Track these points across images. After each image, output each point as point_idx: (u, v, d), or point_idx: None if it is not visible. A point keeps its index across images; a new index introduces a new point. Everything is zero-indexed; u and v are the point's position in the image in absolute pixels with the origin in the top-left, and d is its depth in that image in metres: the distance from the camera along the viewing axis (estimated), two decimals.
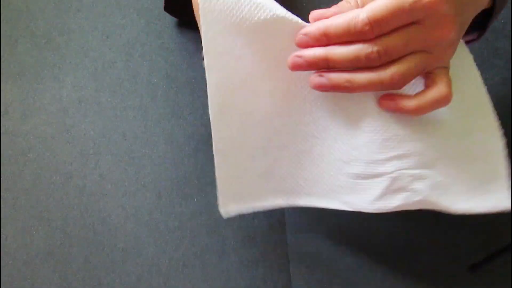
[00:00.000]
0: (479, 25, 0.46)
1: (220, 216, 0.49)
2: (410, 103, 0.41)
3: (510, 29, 0.56)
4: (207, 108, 0.53)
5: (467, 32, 0.44)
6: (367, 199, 0.40)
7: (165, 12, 0.57)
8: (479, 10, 0.43)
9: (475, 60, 0.48)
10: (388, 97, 0.42)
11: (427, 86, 0.42)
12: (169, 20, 0.57)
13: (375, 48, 0.39)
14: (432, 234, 0.48)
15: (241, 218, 0.49)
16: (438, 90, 0.41)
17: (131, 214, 0.49)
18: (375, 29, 0.39)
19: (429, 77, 0.42)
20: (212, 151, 0.51)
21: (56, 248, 0.47)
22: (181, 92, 0.54)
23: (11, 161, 0.51)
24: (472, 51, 0.48)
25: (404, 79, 0.40)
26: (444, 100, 0.42)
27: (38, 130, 0.52)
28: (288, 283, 0.46)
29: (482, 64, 0.54)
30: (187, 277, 0.46)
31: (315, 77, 0.41)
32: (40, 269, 0.46)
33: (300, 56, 0.41)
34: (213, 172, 0.50)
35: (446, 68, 0.43)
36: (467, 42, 0.46)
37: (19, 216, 0.48)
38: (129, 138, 0.52)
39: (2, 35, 0.57)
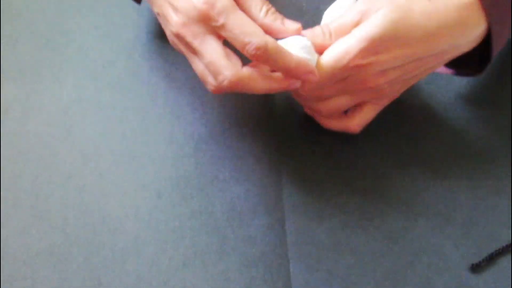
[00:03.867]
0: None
1: (220, 216, 0.49)
2: (323, 120, 0.50)
3: None
4: (207, 108, 0.53)
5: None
6: None
7: None
8: (451, 56, 0.45)
9: None
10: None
11: (347, 112, 0.49)
12: None
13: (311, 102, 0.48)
14: (432, 234, 0.48)
15: (241, 218, 0.49)
16: (350, 123, 0.48)
17: (131, 214, 0.49)
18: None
19: (356, 105, 0.48)
20: (212, 151, 0.51)
21: (56, 248, 0.47)
22: (181, 92, 0.54)
23: (11, 161, 0.51)
24: None
25: (328, 112, 0.48)
26: (347, 130, 0.49)
27: (38, 130, 0.52)
28: (288, 283, 0.46)
29: None
30: (187, 277, 0.46)
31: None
32: (40, 269, 0.46)
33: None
34: (213, 172, 0.50)
35: (378, 105, 0.48)
36: (465, 74, 0.48)
37: (19, 216, 0.48)
38: (129, 138, 0.52)
39: (2, 35, 0.57)
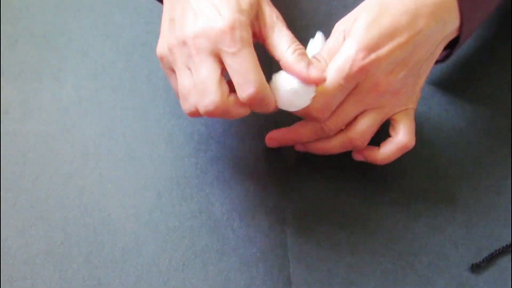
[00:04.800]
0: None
1: (220, 216, 0.49)
2: (376, 157, 0.47)
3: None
4: None
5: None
6: None
7: None
8: (444, 43, 0.46)
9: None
10: (358, 152, 0.49)
11: (391, 135, 0.47)
12: None
13: (327, 125, 0.46)
14: (432, 234, 0.48)
15: (241, 218, 0.49)
16: (398, 140, 0.46)
17: (131, 214, 0.49)
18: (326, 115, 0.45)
19: (392, 125, 0.47)
20: (212, 151, 0.51)
21: (56, 248, 0.47)
22: None
23: (11, 161, 0.51)
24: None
25: (364, 138, 0.46)
26: (404, 149, 0.46)
27: (38, 130, 0.52)
28: (288, 283, 0.46)
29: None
30: (187, 277, 0.46)
31: (298, 146, 0.50)
32: (40, 269, 0.46)
33: (272, 138, 0.50)
34: (213, 172, 0.50)
35: (408, 109, 0.47)
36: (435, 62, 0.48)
37: (19, 216, 0.48)
38: (129, 138, 0.52)
39: (2, 35, 0.57)
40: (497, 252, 0.47)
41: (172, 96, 0.53)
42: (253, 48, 0.42)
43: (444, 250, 0.47)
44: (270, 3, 0.46)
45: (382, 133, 0.47)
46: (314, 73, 0.43)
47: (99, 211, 0.49)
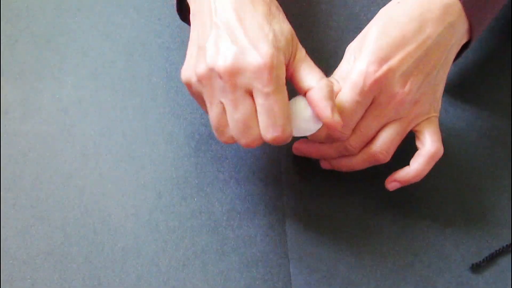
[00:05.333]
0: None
1: (220, 216, 0.49)
2: (409, 175, 0.45)
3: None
4: None
5: None
6: None
7: (165, 12, 0.57)
8: (457, 47, 0.46)
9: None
10: (389, 179, 0.47)
11: (418, 148, 0.46)
12: (169, 20, 0.57)
13: (350, 144, 0.45)
14: (432, 234, 0.48)
15: (241, 218, 0.49)
16: (426, 151, 0.45)
17: (131, 214, 0.49)
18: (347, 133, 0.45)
19: (417, 137, 0.46)
20: (212, 151, 0.51)
21: (56, 248, 0.47)
22: (181, 92, 0.54)
23: (11, 161, 0.51)
24: None
25: (387, 152, 0.45)
26: (434, 159, 0.45)
27: (38, 130, 0.52)
28: (288, 283, 0.46)
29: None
30: (187, 277, 0.46)
31: (324, 163, 0.49)
32: (40, 269, 0.46)
33: (298, 149, 0.49)
34: (213, 172, 0.50)
35: (431, 117, 0.46)
36: None
37: (19, 216, 0.48)
38: (129, 138, 0.52)
39: (2, 35, 0.57)
40: (497, 252, 0.47)
41: (172, 96, 0.54)
42: (286, 90, 0.40)
43: (444, 250, 0.47)
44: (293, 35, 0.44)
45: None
46: (336, 118, 0.41)
47: (99, 211, 0.49)
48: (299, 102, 0.43)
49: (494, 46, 0.56)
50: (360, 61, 0.43)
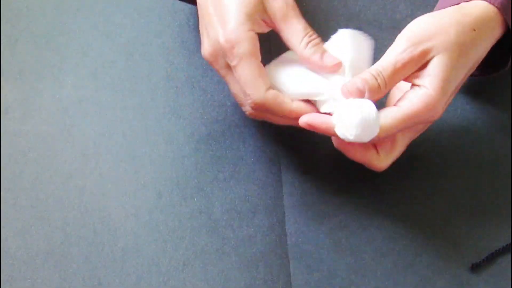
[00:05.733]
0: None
1: (220, 216, 0.49)
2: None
3: None
4: (207, 108, 0.53)
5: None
6: None
7: (165, 12, 0.57)
8: (485, 40, 0.45)
9: None
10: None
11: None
12: (169, 20, 0.57)
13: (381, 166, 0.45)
14: (432, 234, 0.48)
15: (241, 218, 0.49)
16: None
17: (131, 214, 0.49)
18: None
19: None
20: (212, 151, 0.51)
21: (56, 248, 0.47)
22: (181, 92, 0.54)
23: (11, 161, 0.51)
24: None
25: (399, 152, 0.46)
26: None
27: (38, 130, 0.52)
28: (288, 283, 0.46)
29: None
30: (187, 277, 0.46)
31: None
32: (40, 269, 0.46)
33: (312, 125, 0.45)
34: (213, 172, 0.50)
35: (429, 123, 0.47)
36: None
37: (19, 216, 0.48)
38: (129, 138, 0.52)
39: (2, 35, 0.57)
40: (497, 252, 0.47)
41: (172, 96, 0.54)
42: (255, 58, 0.43)
43: (444, 250, 0.47)
44: None
45: None
46: (329, 62, 0.44)
47: (99, 211, 0.49)
48: (365, 105, 0.42)
49: (494, 47, 0.56)
50: (437, 93, 0.42)
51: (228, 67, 0.45)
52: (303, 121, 0.44)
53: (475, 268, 0.46)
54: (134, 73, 0.55)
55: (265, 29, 0.46)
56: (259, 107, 0.44)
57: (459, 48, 0.43)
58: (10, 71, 0.55)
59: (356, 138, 0.41)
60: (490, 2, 0.44)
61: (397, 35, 0.44)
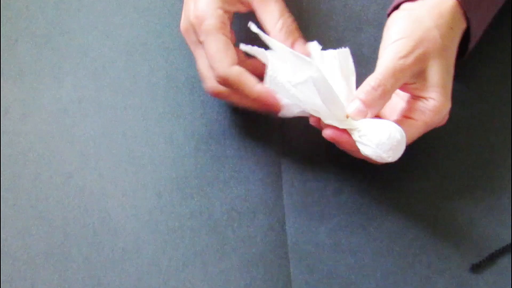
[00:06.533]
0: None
1: (220, 216, 0.49)
2: None
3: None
4: (207, 108, 0.53)
5: None
6: None
7: (165, 12, 0.57)
8: (458, 37, 0.46)
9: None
10: None
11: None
12: (169, 20, 0.57)
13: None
14: (432, 234, 0.48)
15: (241, 218, 0.49)
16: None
17: (131, 214, 0.49)
18: None
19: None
20: (212, 151, 0.51)
21: (56, 248, 0.47)
22: (181, 92, 0.54)
23: (11, 161, 0.51)
24: None
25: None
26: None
27: (38, 130, 0.52)
28: (288, 283, 0.46)
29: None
30: (187, 277, 0.46)
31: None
32: (40, 269, 0.46)
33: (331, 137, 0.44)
34: (213, 172, 0.50)
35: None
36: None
37: (19, 216, 0.48)
38: (129, 138, 0.52)
39: (2, 35, 0.57)
40: (497, 252, 0.47)
41: (172, 96, 0.54)
42: (222, 33, 0.45)
43: (444, 250, 0.47)
44: None
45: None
46: (300, 49, 0.45)
47: (99, 211, 0.49)
48: (392, 126, 0.42)
49: (494, 46, 0.56)
50: (438, 97, 0.43)
51: (198, 43, 0.46)
52: (327, 134, 0.43)
53: (475, 268, 0.46)
54: (134, 73, 0.55)
55: (242, 9, 0.47)
56: (222, 81, 0.45)
57: (446, 52, 0.44)
58: (10, 71, 0.55)
59: (394, 158, 0.42)
60: None
61: None
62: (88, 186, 0.50)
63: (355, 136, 0.42)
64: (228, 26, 0.46)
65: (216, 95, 0.47)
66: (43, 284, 0.46)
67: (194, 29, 0.46)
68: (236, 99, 0.47)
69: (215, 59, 0.44)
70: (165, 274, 0.46)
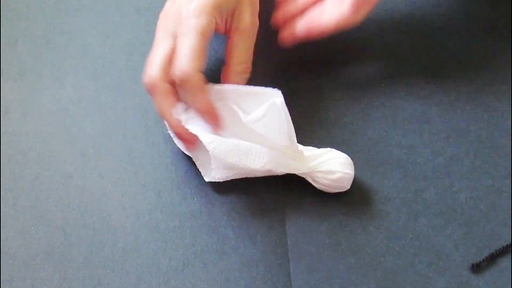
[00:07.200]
0: None
1: (220, 216, 0.49)
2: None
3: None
4: None
5: None
6: None
7: None
8: None
9: None
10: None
11: None
12: None
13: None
14: (432, 234, 0.48)
15: (241, 218, 0.49)
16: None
17: (131, 214, 0.49)
18: None
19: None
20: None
21: (56, 248, 0.47)
22: None
23: (11, 161, 0.51)
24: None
25: None
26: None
27: (38, 130, 0.52)
28: (288, 283, 0.46)
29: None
30: (187, 277, 0.46)
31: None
32: (40, 269, 0.46)
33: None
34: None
35: None
36: None
37: (19, 216, 0.48)
38: (129, 138, 0.52)
39: (2, 35, 0.57)
40: (497, 252, 0.47)
41: None
42: (206, 38, 0.45)
43: (444, 250, 0.47)
44: (256, 10, 0.48)
45: None
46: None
47: (99, 211, 0.49)
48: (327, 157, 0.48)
49: (494, 46, 0.56)
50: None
51: (171, 33, 0.46)
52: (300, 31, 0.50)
53: (475, 268, 0.46)
54: (134, 73, 0.55)
55: (221, 28, 0.47)
56: (182, 82, 0.44)
57: None
58: (10, 71, 0.55)
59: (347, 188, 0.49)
60: None
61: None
62: (88, 186, 0.50)
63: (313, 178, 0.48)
64: (212, 35, 0.46)
65: (153, 87, 0.46)
66: (43, 284, 0.46)
67: (179, 19, 0.45)
68: (165, 102, 0.46)
69: (189, 58, 0.44)
70: (165, 274, 0.46)
